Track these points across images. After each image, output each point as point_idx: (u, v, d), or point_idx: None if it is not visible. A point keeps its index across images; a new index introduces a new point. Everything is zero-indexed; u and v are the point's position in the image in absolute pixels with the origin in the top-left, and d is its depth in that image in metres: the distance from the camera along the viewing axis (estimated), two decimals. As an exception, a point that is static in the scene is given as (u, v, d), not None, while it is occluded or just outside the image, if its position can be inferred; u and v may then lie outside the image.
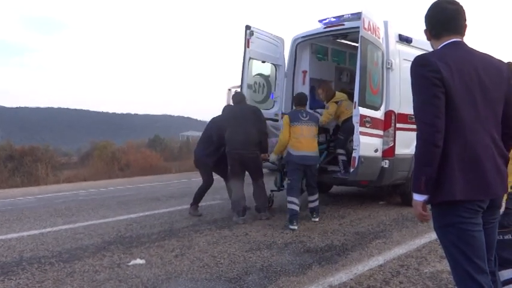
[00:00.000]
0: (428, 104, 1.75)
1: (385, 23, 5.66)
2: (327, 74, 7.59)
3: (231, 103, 6.48)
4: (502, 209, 1.98)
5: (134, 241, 4.70)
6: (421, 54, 1.86)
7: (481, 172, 1.77)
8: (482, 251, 1.80)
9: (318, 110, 6.77)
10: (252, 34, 6.21)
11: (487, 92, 1.81)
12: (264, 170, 6.03)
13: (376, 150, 5.37)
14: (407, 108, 5.09)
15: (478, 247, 1.78)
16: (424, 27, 1.99)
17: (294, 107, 5.92)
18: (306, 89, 7.12)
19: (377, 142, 5.40)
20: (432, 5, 1.94)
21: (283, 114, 6.83)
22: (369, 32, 5.11)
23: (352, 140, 5.25)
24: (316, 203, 5.55)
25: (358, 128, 5.00)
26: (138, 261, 3.94)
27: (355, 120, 5.04)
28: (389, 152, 5.59)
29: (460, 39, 1.90)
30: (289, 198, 5.27)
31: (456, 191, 1.74)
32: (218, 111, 6.40)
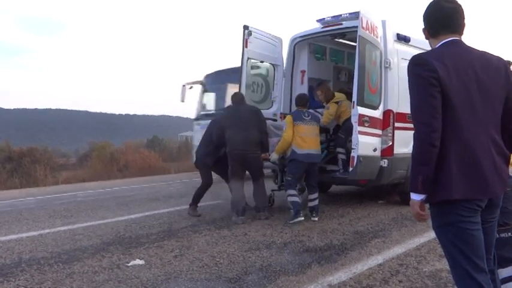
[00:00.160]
0: (424, 104, 1.75)
1: (383, 22, 5.67)
2: (325, 73, 7.60)
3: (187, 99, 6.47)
4: None
5: (133, 242, 4.70)
6: (418, 54, 1.86)
7: (479, 171, 1.77)
8: (481, 250, 1.80)
9: (319, 110, 6.78)
10: (250, 34, 6.21)
11: (486, 91, 1.81)
12: (267, 171, 6.05)
13: (374, 150, 5.38)
14: (406, 108, 5.06)
15: (476, 246, 1.79)
16: (423, 26, 1.99)
17: (295, 107, 5.95)
18: (304, 89, 7.12)
19: (376, 141, 5.41)
20: (431, 3, 1.94)
21: (281, 114, 6.84)
22: (367, 32, 5.12)
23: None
24: (316, 202, 5.58)
25: (356, 128, 5.01)
26: (138, 261, 3.94)
27: (354, 120, 5.05)
28: (388, 151, 5.60)
29: (458, 38, 1.90)
30: (289, 192, 5.41)
31: (453, 191, 1.75)
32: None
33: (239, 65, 6.25)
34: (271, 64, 6.87)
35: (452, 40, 1.88)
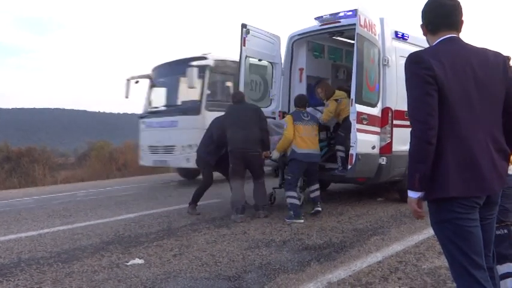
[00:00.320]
0: (421, 102, 1.76)
1: (381, 20, 5.67)
2: (324, 71, 7.60)
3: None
4: None
5: (133, 241, 4.70)
6: (415, 52, 1.86)
7: (476, 168, 1.77)
8: (479, 247, 1.80)
9: (319, 108, 6.78)
10: (248, 32, 6.20)
11: (484, 88, 1.81)
12: (268, 169, 6.06)
13: (373, 147, 5.39)
14: (404, 105, 5.07)
15: (474, 243, 1.79)
16: (421, 22, 1.99)
17: (294, 108, 5.97)
18: (302, 87, 7.13)
19: (374, 139, 5.42)
20: (429, 0, 1.94)
21: (280, 112, 6.84)
22: (365, 29, 5.12)
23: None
24: (318, 193, 5.68)
25: (355, 125, 5.01)
26: (137, 260, 3.94)
27: (352, 118, 5.05)
28: (386, 149, 5.61)
29: (456, 35, 1.90)
30: (289, 193, 5.41)
31: (450, 188, 1.75)
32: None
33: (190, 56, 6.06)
34: (270, 62, 6.86)
35: (450, 37, 1.88)
